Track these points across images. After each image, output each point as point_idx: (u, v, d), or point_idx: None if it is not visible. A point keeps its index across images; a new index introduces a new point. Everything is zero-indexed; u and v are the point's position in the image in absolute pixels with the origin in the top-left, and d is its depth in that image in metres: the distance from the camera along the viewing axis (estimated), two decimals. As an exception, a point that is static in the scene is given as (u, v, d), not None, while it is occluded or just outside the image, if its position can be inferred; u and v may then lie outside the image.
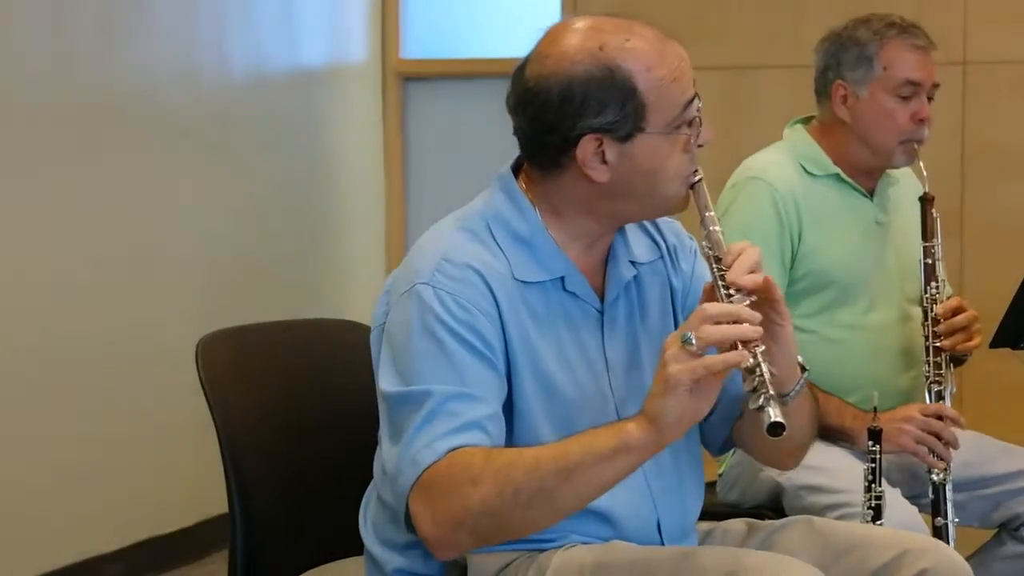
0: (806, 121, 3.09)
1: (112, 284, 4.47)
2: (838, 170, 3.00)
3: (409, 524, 1.97)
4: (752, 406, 1.87)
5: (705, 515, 2.30)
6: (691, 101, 2.04)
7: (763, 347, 1.89)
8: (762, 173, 2.97)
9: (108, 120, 4.45)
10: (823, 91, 3.02)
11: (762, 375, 1.86)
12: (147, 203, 4.59)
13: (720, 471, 3.06)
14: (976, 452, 3.01)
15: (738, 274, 1.95)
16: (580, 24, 2.04)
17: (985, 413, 4.22)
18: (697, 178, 2.05)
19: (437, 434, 1.93)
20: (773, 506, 2.92)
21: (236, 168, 5.02)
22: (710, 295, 1.99)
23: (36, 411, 4.20)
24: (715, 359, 1.85)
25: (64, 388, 4.28)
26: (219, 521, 4.31)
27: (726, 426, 2.19)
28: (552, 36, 2.05)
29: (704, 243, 2.03)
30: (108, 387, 4.43)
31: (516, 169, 2.12)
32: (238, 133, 5.04)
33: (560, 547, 2.07)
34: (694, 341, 1.85)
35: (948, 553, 2.10)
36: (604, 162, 2.02)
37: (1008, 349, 2.91)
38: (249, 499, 2.27)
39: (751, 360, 1.86)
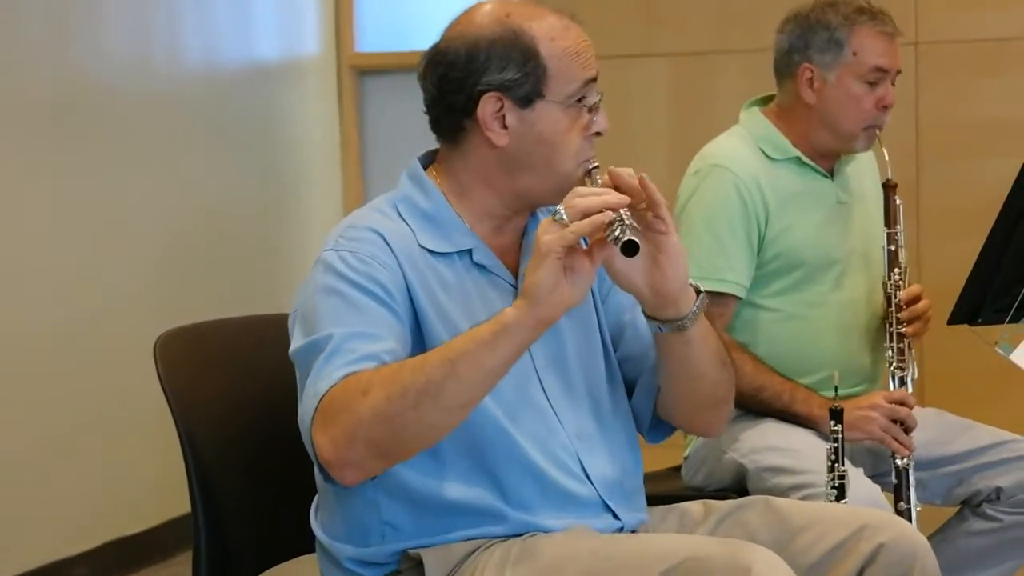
0: (762, 103, 3.09)
1: (68, 280, 4.43)
2: (798, 153, 3.00)
3: (324, 470, 1.98)
4: (609, 238, 1.94)
5: (670, 499, 2.30)
6: (592, 81, 2.12)
7: (629, 213, 1.96)
8: (724, 160, 2.97)
9: (60, 113, 4.42)
10: (786, 72, 3.01)
11: (621, 217, 1.94)
12: (101, 197, 4.56)
13: (685, 454, 3.07)
14: (938, 431, 3.03)
15: (615, 175, 2.01)
16: (491, 3, 2.16)
17: (944, 391, 4.25)
18: (594, 164, 2.12)
19: (335, 366, 1.97)
20: (737, 489, 2.93)
21: (191, 163, 5.00)
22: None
23: (-3, 415, 4.17)
24: (583, 221, 1.92)
25: (23, 390, 4.25)
26: (186, 521, 4.27)
27: (650, 398, 2.23)
28: (465, 12, 2.17)
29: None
30: (68, 388, 4.40)
31: (426, 166, 2.21)
32: (192, 128, 5.01)
33: (521, 536, 2.08)
34: (564, 213, 1.93)
35: (905, 527, 2.12)
36: (504, 127, 2.10)
37: (966, 326, 2.93)
38: (212, 497, 2.27)
39: (612, 214, 1.94)
